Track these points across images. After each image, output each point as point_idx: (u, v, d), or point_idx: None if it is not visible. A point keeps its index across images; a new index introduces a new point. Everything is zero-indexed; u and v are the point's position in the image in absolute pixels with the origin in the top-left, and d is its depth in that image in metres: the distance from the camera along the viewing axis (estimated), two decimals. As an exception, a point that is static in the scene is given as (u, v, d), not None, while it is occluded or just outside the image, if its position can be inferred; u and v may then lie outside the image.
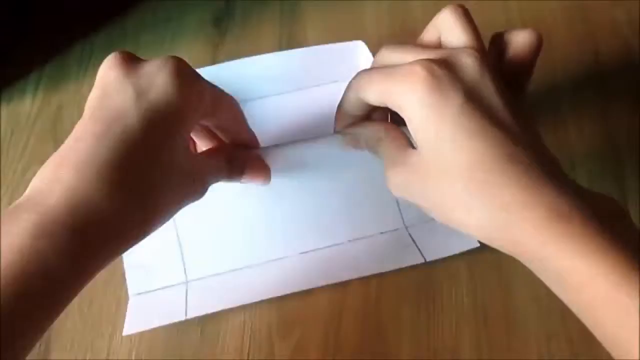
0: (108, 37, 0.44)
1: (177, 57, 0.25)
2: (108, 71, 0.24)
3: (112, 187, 0.22)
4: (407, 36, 0.42)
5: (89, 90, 0.41)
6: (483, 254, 0.34)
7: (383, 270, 0.33)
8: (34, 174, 0.38)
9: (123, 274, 0.34)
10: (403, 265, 0.33)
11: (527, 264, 0.22)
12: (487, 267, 0.33)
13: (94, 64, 0.43)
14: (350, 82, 0.27)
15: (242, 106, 0.29)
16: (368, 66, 0.29)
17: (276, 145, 0.32)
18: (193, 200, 0.26)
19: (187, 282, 0.33)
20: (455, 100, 0.22)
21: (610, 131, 0.37)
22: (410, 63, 0.23)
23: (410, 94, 0.23)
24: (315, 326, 0.32)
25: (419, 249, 0.33)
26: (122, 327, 0.33)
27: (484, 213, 0.22)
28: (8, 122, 0.41)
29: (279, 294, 0.32)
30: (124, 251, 0.23)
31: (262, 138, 0.33)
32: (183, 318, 0.31)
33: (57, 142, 0.40)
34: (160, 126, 0.23)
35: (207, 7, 0.45)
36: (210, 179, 0.28)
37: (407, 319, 0.32)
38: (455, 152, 0.22)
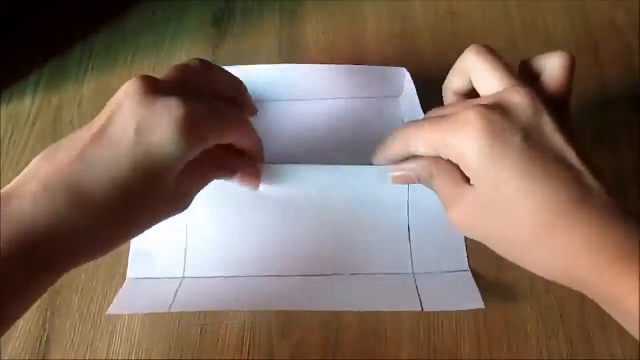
0: (108, 38, 0.44)
1: (190, 105, 0.24)
2: (123, 97, 0.24)
3: (81, 207, 0.22)
4: (407, 36, 0.42)
5: (89, 91, 0.42)
6: (484, 255, 0.34)
7: (378, 310, 0.32)
8: (34, 174, 0.38)
9: (123, 274, 0.34)
10: (399, 310, 0.32)
11: (598, 303, 0.22)
12: (487, 266, 0.33)
13: (94, 65, 0.43)
14: (396, 131, 0.27)
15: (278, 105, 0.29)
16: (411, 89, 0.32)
17: (310, 165, 0.31)
18: (175, 214, 0.26)
19: (182, 279, 0.33)
20: (514, 144, 0.22)
21: (610, 131, 0.37)
22: (463, 111, 0.23)
23: (468, 144, 0.23)
24: (315, 326, 0.32)
25: (419, 298, 0.31)
26: (123, 327, 0.33)
27: (550, 256, 0.22)
28: (8, 122, 0.41)
29: (267, 309, 0.32)
30: (88, 262, 0.24)
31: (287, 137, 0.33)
32: (166, 311, 0.30)
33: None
34: (151, 168, 0.23)
35: (207, 7, 0.45)
36: (195, 193, 0.28)
37: (407, 319, 0.32)
38: (519, 196, 0.22)
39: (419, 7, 0.43)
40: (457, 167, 0.25)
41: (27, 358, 0.32)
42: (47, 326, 0.33)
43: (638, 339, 0.21)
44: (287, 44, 0.43)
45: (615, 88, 0.39)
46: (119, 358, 0.32)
